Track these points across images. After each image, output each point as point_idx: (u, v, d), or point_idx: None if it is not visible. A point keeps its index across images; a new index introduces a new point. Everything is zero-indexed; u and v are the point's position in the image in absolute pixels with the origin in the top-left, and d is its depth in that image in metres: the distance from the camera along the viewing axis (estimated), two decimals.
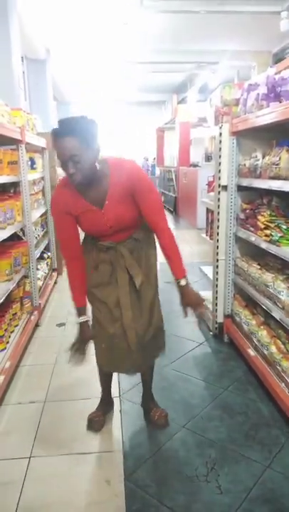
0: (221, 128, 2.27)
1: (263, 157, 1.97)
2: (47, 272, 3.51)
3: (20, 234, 2.71)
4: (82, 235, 1.56)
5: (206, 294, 2.65)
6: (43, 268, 3.40)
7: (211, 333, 2.64)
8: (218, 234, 2.43)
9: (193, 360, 2.33)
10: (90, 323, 1.62)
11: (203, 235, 3.11)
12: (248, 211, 2.20)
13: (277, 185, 1.73)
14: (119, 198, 1.44)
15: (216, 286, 2.50)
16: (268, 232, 1.90)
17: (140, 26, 5.85)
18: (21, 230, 2.65)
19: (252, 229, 2.11)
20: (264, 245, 1.92)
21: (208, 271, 2.79)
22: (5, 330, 2.18)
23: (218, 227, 2.43)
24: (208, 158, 7.42)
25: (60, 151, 1.31)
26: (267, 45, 6.85)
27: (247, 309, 2.32)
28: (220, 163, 2.31)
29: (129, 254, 1.53)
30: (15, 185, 2.69)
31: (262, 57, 7.03)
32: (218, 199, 2.37)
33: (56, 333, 2.75)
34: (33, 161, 3.07)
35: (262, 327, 2.09)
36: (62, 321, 2.93)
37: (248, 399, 1.94)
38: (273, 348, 1.90)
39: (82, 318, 1.59)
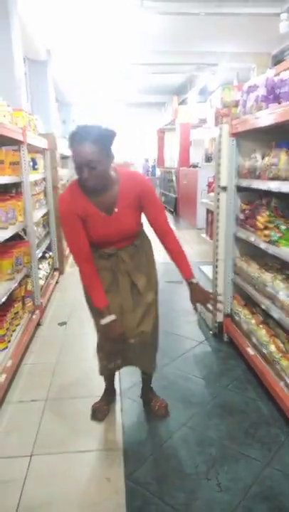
0: (220, 129, 2.29)
1: (262, 158, 1.98)
2: (49, 271, 3.53)
3: (22, 234, 2.72)
4: None
5: None
6: (45, 267, 3.42)
7: (211, 332, 2.65)
8: (217, 234, 2.45)
9: (193, 359, 2.35)
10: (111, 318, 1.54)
11: (203, 235, 3.13)
12: (247, 212, 2.21)
13: (276, 186, 1.75)
14: (127, 206, 1.49)
15: (216, 285, 2.52)
16: (267, 232, 1.92)
17: (140, 27, 5.87)
18: (23, 230, 2.66)
19: (251, 229, 2.12)
20: (263, 245, 1.94)
21: (208, 271, 2.81)
22: (7, 329, 2.20)
23: (217, 228, 2.44)
24: (208, 159, 7.43)
25: (77, 155, 1.34)
26: (266, 46, 6.86)
27: (246, 309, 2.33)
28: (220, 164, 2.33)
29: (130, 259, 1.57)
30: (17, 185, 2.71)
31: (261, 59, 7.05)
32: (218, 200, 2.39)
33: (58, 332, 2.76)
34: (34, 162, 3.08)
35: (261, 326, 2.11)
36: (63, 320, 2.95)
37: (247, 397, 1.95)
38: (272, 347, 1.92)
39: (111, 317, 1.52)
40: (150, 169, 14.00)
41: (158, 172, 12.27)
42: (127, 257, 1.56)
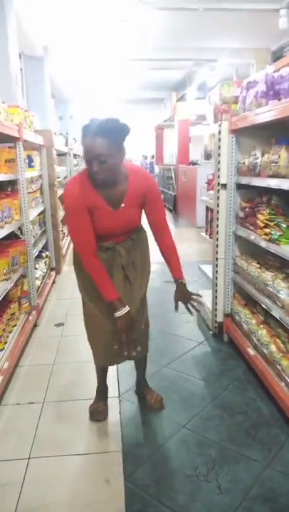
0: (220, 126, 2.26)
1: (262, 155, 1.95)
2: (45, 271, 3.49)
3: (18, 233, 2.69)
4: None
5: (206, 293, 2.65)
6: (41, 267, 3.38)
7: (211, 332, 2.63)
8: (217, 232, 2.42)
9: (192, 360, 2.33)
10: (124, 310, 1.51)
11: (203, 234, 3.11)
12: (247, 209, 2.19)
13: (276, 184, 1.72)
14: (133, 202, 1.51)
15: (216, 285, 2.49)
16: (267, 230, 1.90)
17: (139, 23, 5.81)
18: (19, 228, 2.63)
19: (251, 227, 2.10)
20: (263, 244, 1.91)
21: (208, 270, 2.79)
22: (3, 330, 2.17)
23: (217, 226, 2.42)
24: (207, 156, 7.41)
25: (88, 149, 1.34)
26: (266, 42, 6.82)
27: (246, 308, 2.31)
28: (219, 162, 2.30)
29: (127, 253, 1.58)
30: (12, 183, 2.67)
31: (261, 55, 7.01)
32: (218, 197, 2.36)
33: (55, 333, 2.73)
34: (30, 159, 3.04)
35: (261, 326, 2.09)
36: (60, 321, 2.92)
37: (247, 398, 1.94)
38: (273, 347, 1.90)
39: (126, 309, 1.50)
40: (148, 166, 13.90)
41: (156, 169, 12.20)
42: (123, 251, 1.57)
